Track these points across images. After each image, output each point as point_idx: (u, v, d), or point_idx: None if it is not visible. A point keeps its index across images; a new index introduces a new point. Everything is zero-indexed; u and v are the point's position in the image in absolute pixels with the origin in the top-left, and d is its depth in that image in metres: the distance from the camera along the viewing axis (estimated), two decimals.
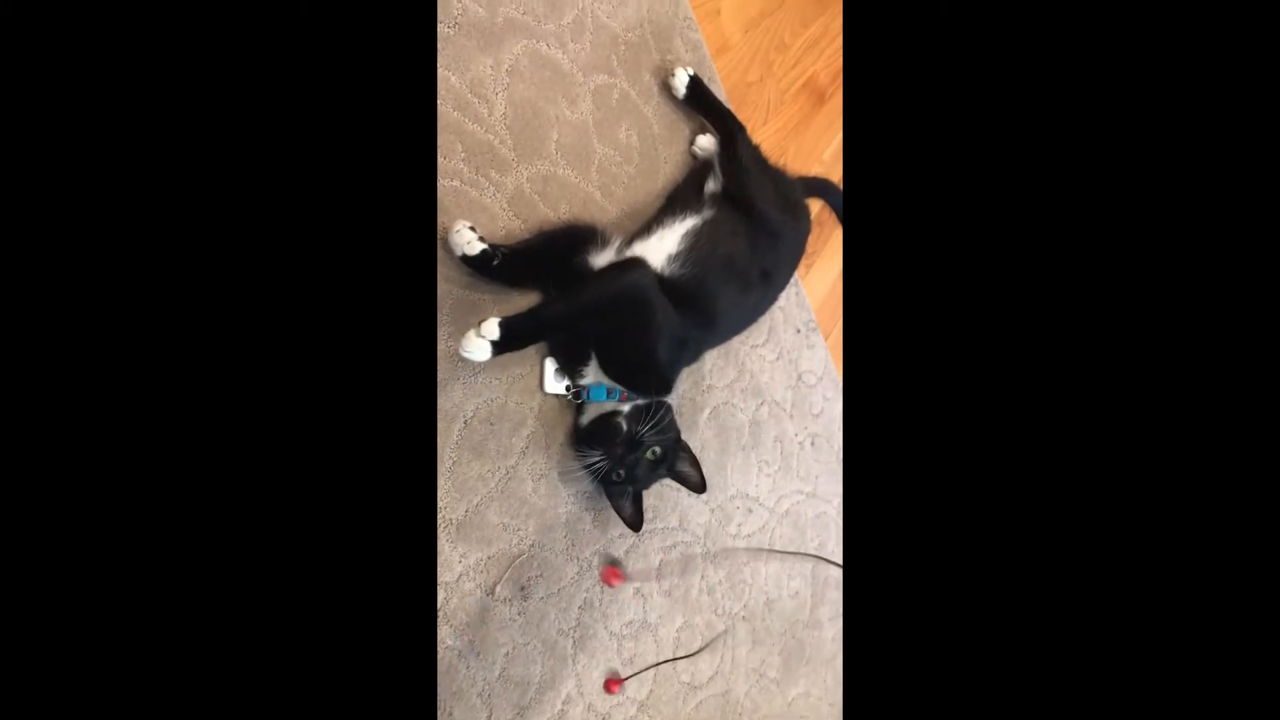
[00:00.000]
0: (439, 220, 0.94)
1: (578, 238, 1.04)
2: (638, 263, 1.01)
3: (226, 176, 0.40)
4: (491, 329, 0.91)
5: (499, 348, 0.92)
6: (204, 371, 0.40)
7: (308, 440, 0.41)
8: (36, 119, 0.36)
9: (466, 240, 0.93)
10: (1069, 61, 0.46)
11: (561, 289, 1.00)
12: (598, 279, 1.00)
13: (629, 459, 0.99)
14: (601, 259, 1.03)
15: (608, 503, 1.07)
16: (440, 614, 0.92)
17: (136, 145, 0.39)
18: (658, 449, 1.02)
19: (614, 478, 1.01)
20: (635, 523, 1.06)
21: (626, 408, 1.02)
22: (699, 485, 1.10)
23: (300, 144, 0.42)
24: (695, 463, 1.09)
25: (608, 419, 1.02)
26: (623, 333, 0.99)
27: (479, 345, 0.91)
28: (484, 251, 0.93)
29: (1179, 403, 0.43)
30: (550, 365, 1.03)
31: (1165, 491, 0.43)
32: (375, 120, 0.44)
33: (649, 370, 1.02)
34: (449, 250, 0.94)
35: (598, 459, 1.00)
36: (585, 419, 1.05)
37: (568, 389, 1.04)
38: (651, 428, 1.00)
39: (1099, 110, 0.46)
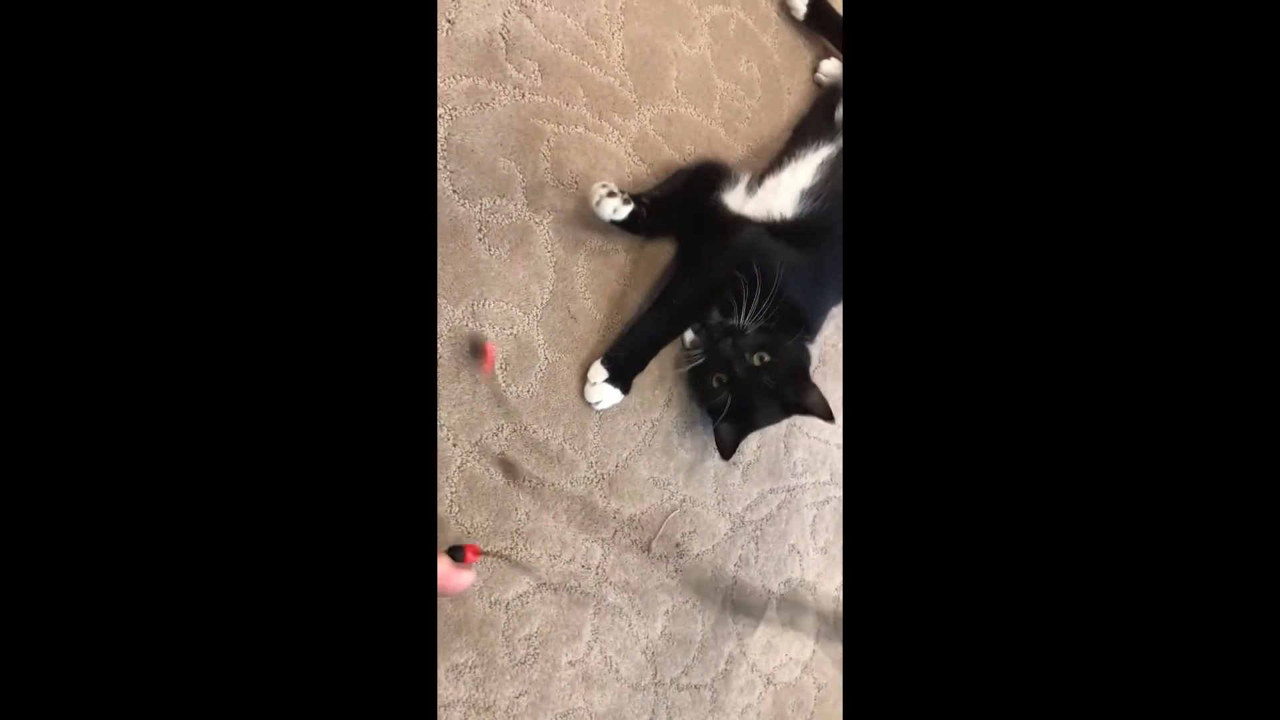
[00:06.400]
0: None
1: (712, 175, 0.98)
2: (739, 224, 0.95)
3: (221, 159, 0.39)
4: (597, 371, 0.89)
5: (620, 381, 0.89)
6: (187, 360, 0.39)
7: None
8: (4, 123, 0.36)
9: (614, 209, 0.87)
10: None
11: (698, 233, 0.95)
12: (692, 269, 0.94)
13: (725, 347, 0.89)
14: (734, 198, 0.98)
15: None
16: (599, 572, 0.90)
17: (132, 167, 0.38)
18: (765, 355, 0.90)
19: (713, 383, 0.91)
20: (726, 449, 0.94)
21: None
22: (827, 412, 0.91)
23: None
24: (822, 398, 0.92)
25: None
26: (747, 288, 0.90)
27: (600, 391, 0.89)
28: (633, 213, 0.88)
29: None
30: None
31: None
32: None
33: (784, 310, 0.91)
34: (596, 215, 0.89)
35: (698, 355, 0.92)
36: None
37: (693, 344, 0.96)
38: (753, 315, 0.88)
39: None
